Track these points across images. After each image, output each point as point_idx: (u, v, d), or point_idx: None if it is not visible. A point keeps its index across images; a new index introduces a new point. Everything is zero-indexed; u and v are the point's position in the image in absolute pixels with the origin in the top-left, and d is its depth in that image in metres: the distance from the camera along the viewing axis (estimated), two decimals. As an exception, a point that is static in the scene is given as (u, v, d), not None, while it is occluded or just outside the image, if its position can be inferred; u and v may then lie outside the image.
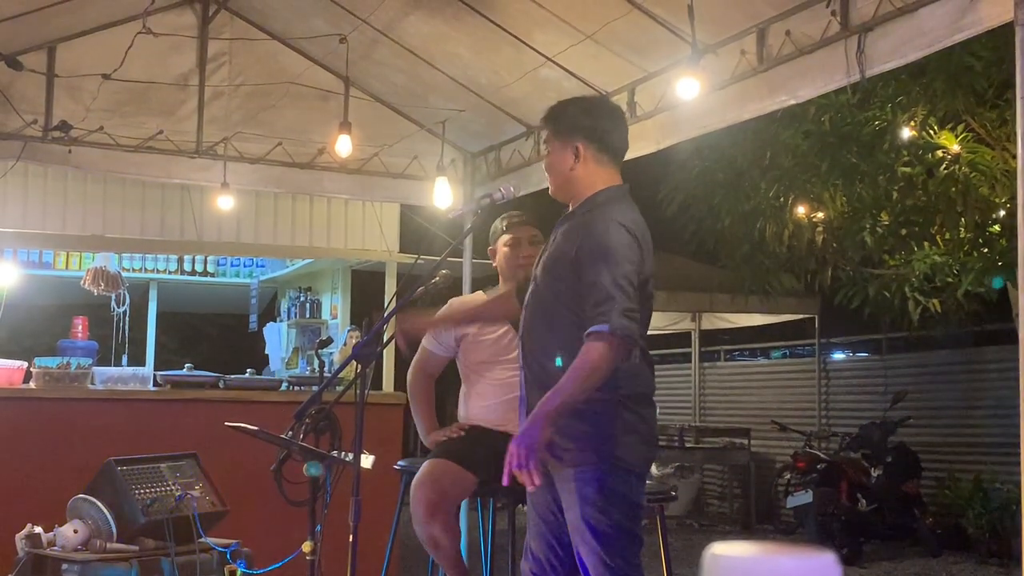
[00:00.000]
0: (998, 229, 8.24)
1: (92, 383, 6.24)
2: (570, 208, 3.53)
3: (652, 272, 3.40)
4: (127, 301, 9.83)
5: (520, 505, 4.77)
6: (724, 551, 0.71)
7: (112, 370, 6.79)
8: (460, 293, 5.51)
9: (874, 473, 9.99)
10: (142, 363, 9.63)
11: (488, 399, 4.66)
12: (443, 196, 6.99)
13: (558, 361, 3.30)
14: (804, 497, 9.61)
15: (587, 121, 3.51)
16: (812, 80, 4.77)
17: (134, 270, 10.01)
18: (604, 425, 3.28)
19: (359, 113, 6.89)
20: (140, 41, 6.23)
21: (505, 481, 3.13)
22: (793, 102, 5.11)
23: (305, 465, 3.53)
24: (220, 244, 8.91)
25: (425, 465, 4.50)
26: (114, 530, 4.43)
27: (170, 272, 10.26)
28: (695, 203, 9.65)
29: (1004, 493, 9.09)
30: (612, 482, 3.28)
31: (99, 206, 8.21)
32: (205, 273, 10.33)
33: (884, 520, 9.77)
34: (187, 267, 10.23)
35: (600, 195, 3.45)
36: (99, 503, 4.45)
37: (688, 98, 4.93)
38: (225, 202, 6.96)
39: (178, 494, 4.56)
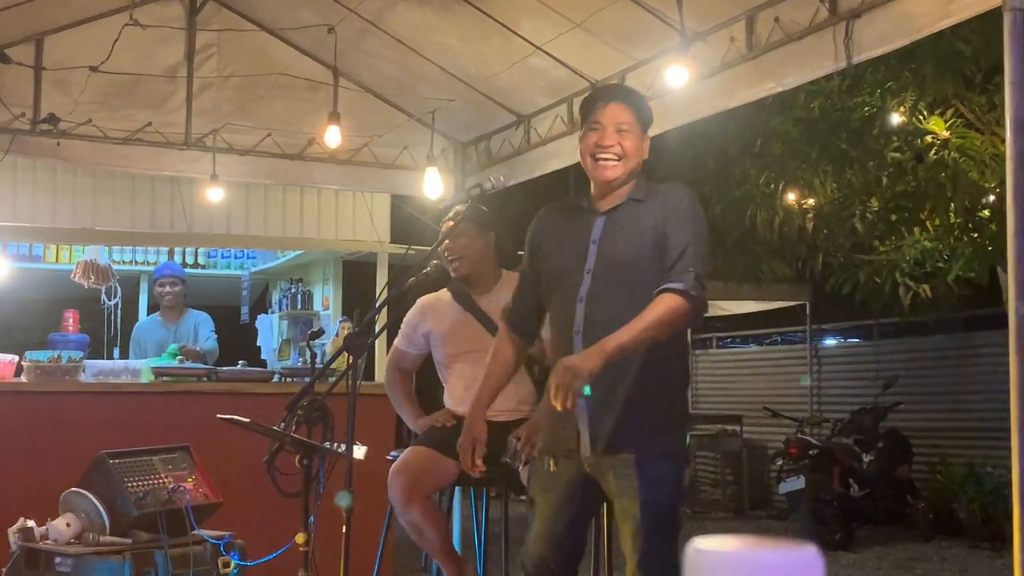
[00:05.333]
0: (988, 214, 8.26)
1: (83, 376, 6.23)
2: (607, 197, 3.54)
3: None
4: (118, 294, 9.81)
5: (513, 494, 4.79)
6: (706, 546, 0.71)
7: (103, 363, 6.78)
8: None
9: (866, 458, 10.02)
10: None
11: (465, 388, 4.71)
12: (433, 186, 6.99)
13: None
14: (796, 483, 9.63)
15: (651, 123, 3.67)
16: (801, 67, 4.77)
17: (124, 263, 9.98)
18: (670, 414, 3.43)
19: (348, 104, 6.87)
20: (128, 33, 6.21)
21: (554, 401, 3.17)
22: (781, 89, 5.12)
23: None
24: (210, 236, 8.89)
25: (401, 455, 4.57)
26: (107, 523, 4.42)
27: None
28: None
29: (996, 477, 9.12)
30: (673, 470, 3.40)
31: (89, 199, 8.18)
32: (196, 265, 10.30)
33: (876, 505, 9.80)
34: (178, 259, 10.20)
35: (648, 180, 3.58)
36: (92, 496, 4.44)
37: (677, 86, 4.93)
38: (215, 194, 6.95)
39: (171, 486, 4.55)
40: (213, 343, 7.71)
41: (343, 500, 3.52)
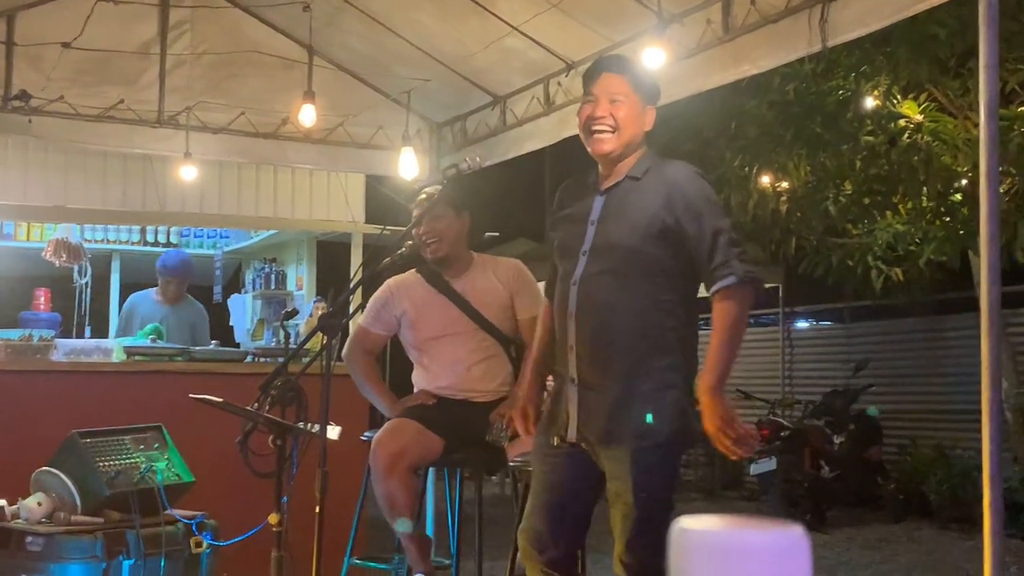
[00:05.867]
0: (960, 198, 8.31)
1: (55, 355, 6.19)
2: (609, 172, 3.50)
3: None
4: (89, 273, 9.74)
5: (486, 474, 4.80)
6: (693, 525, 0.71)
7: (75, 342, 6.73)
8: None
9: (837, 440, 10.09)
10: (105, 335, 9.54)
11: (441, 374, 4.71)
12: (409, 166, 6.96)
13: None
14: (768, 464, 9.69)
15: (658, 96, 3.62)
16: (776, 49, 4.78)
17: (96, 241, 9.88)
18: (665, 404, 3.34)
19: (323, 82, 6.83)
20: (100, 9, 6.15)
21: (734, 455, 3.26)
22: (757, 71, 5.13)
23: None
24: (183, 215, 8.83)
25: (386, 424, 4.54)
26: (78, 503, 4.40)
27: (133, 243, 10.14)
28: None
29: (965, 460, 9.21)
30: (667, 458, 3.38)
31: (60, 177, 8.11)
32: (168, 244, 10.21)
33: (847, 487, 9.88)
34: (150, 238, 10.12)
35: (651, 155, 3.54)
36: (63, 476, 4.42)
37: (654, 67, 4.92)
38: (188, 172, 6.90)
39: (143, 466, 4.54)
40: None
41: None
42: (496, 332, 4.69)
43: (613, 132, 3.41)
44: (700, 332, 3.63)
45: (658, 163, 3.50)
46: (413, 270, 4.84)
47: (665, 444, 3.32)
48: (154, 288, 8.03)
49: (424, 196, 4.65)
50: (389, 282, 4.82)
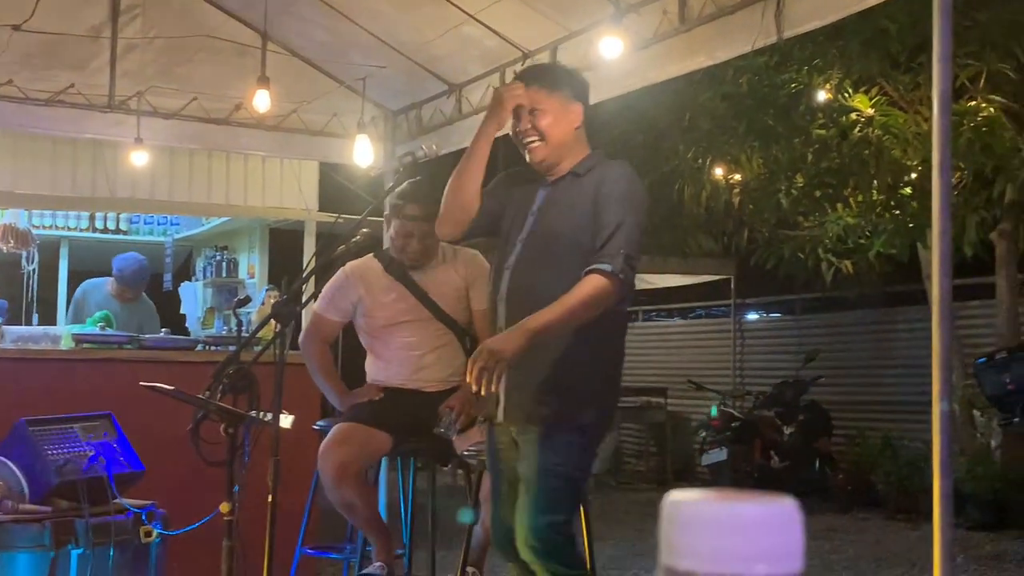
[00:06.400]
0: (909, 191, 8.40)
1: (2, 343, 6.10)
2: (552, 171, 3.55)
3: None
4: (37, 259, 9.62)
5: (439, 465, 4.80)
6: (684, 497, 0.71)
7: (23, 329, 6.65)
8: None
9: (787, 431, 10.19)
10: (53, 322, 9.44)
11: (393, 362, 4.71)
12: (363, 154, 6.92)
13: None
14: (719, 454, 9.77)
15: (585, 89, 3.66)
16: (732, 41, 4.80)
17: (44, 227, 9.77)
18: (584, 391, 3.38)
19: (277, 69, 6.77)
20: (50, -9, 6.06)
21: (472, 383, 3.17)
22: (712, 63, 5.16)
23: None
24: (133, 201, 8.75)
25: (332, 431, 4.53)
26: (26, 491, 4.34)
27: (81, 230, 10.04)
28: (615, 164, 9.68)
29: (912, 450, 9.32)
30: (576, 442, 3.39)
31: (8, 161, 8.01)
32: (118, 231, 10.13)
33: (796, 476, 9.97)
34: (99, 224, 10.01)
35: (597, 154, 3.60)
36: (11, 464, 4.36)
37: (611, 57, 4.93)
38: (139, 158, 6.82)
39: (92, 455, 4.49)
40: None
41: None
42: (451, 322, 4.69)
43: (541, 140, 3.51)
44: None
45: (602, 162, 3.58)
46: (371, 255, 4.82)
47: (579, 429, 3.38)
48: (109, 279, 7.88)
49: (402, 200, 4.59)
50: (345, 268, 4.79)
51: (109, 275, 7.82)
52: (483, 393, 3.19)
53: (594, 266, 3.28)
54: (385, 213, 4.74)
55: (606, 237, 3.32)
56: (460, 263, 4.76)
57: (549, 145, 3.51)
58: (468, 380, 3.20)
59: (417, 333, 4.67)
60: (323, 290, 4.81)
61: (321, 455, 4.46)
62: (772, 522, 0.74)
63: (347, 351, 5.01)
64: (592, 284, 3.26)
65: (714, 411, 10.64)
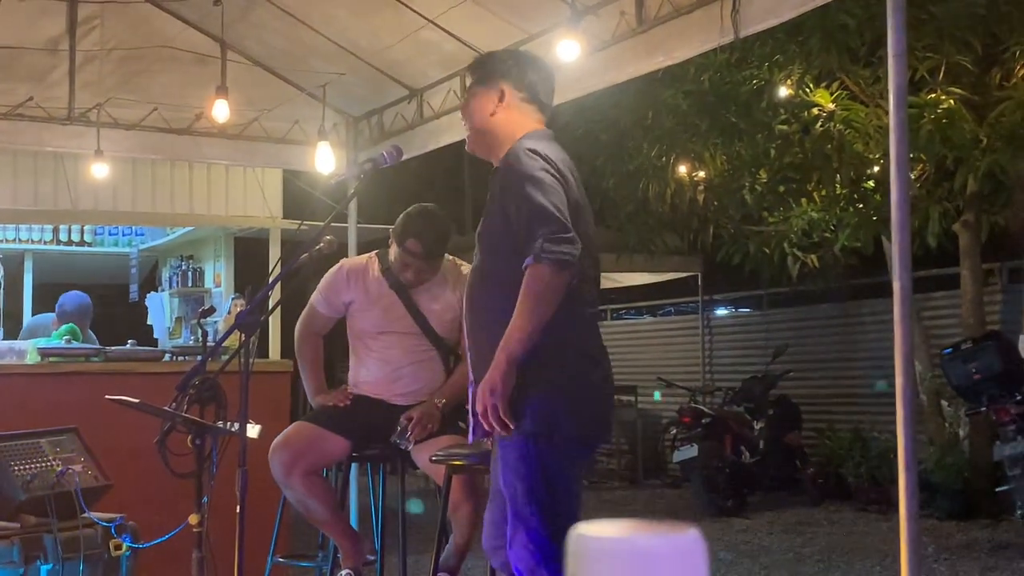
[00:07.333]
0: (872, 185, 8.46)
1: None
2: (495, 163, 3.41)
3: (585, 202, 3.34)
4: (1, 273, 9.56)
5: (411, 469, 4.79)
6: (590, 532, 0.72)
7: (-13, 344, 6.60)
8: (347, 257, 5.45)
9: (757, 426, 10.24)
10: (18, 336, 9.38)
11: (371, 369, 4.71)
12: (326, 161, 6.91)
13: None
14: (690, 451, 9.80)
15: (514, 67, 3.46)
16: (689, 40, 4.81)
17: (7, 241, 9.72)
18: (531, 395, 3.13)
19: (237, 77, 6.73)
20: (6, 4, 6.01)
21: (472, 437, 3.10)
22: (671, 62, 5.18)
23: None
24: (96, 213, 8.71)
25: (284, 431, 4.56)
26: (-7, 509, 4.32)
27: (45, 242, 9.99)
28: (579, 165, 9.68)
29: (882, 442, 9.38)
30: (525, 452, 3.14)
31: (-32, 176, 7.95)
32: (82, 243, 10.07)
33: (767, 471, 10.03)
34: (63, 237, 9.96)
35: (534, 135, 3.36)
36: (-24, 481, 4.33)
37: (569, 60, 4.93)
38: (100, 170, 6.78)
39: (59, 469, 4.46)
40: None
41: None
42: (436, 339, 4.67)
43: (469, 130, 3.49)
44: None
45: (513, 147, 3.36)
46: (373, 253, 4.81)
47: (531, 438, 3.12)
48: (53, 316, 7.68)
49: (415, 245, 4.57)
50: (345, 264, 4.82)
51: (75, 287, 7.78)
52: (504, 433, 3.09)
53: (523, 266, 3.08)
54: (391, 229, 4.70)
55: (523, 236, 3.12)
56: (460, 281, 4.56)
57: (475, 134, 3.47)
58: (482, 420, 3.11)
59: (398, 345, 4.66)
60: (320, 282, 4.81)
61: (271, 451, 4.48)
62: (674, 554, 0.74)
63: (326, 347, 4.99)
64: (527, 282, 3.07)
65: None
